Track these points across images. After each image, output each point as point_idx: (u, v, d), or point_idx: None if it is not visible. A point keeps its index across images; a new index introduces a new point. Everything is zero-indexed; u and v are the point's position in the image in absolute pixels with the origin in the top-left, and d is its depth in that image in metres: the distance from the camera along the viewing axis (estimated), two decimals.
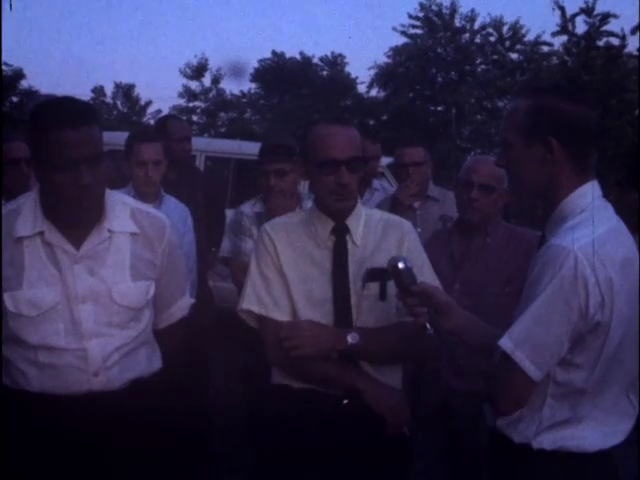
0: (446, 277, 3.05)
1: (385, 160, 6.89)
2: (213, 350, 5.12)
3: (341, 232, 2.60)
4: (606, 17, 22.67)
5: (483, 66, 33.14)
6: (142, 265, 2.50)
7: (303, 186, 4.39)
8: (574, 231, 1.99)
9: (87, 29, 76.69)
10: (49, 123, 2.27)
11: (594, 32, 22.75)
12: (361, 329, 2.52)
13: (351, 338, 2.49)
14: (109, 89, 42.70)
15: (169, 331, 2.68)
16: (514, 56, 32.37)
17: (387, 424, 2.51)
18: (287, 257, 2.58)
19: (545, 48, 29.08)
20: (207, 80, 38.65)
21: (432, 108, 33.48)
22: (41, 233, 2.38)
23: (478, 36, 33.44)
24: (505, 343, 1.97)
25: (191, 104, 38.76)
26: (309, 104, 32.61)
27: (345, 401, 2.52)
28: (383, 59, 33.91)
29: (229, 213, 4.68)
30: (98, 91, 41.73)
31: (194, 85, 38.64)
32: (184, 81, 38.63)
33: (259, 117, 37.95)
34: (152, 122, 31.62)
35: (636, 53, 21.73)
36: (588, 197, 2.07)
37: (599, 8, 22.60)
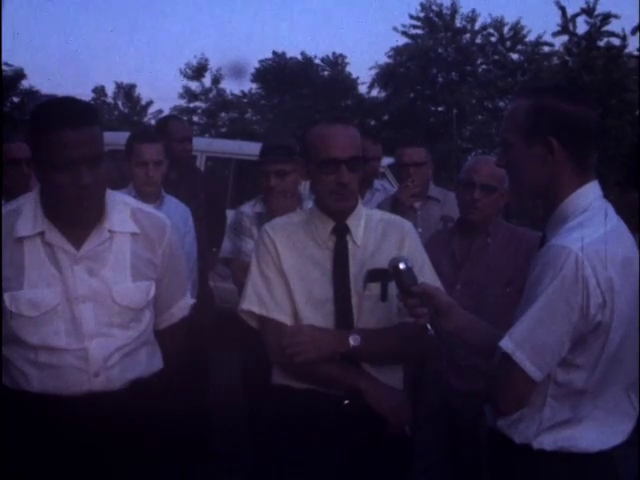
0: (447, 277, 3.05)
1: (386, 160, 6.88)
2: (213, 350, 5.12)
3: (342, 232, 2.60)
4: (607, 17, 22.64)
5: (484, 66, 33.12)
6: (143, 265, 2.50)
7: (304, 186, 4.39)
8: (575, 231, 1.99)
9: (88, 29, 76.71)
10: (50, 123, 2.27)
11: (595, 32, 22.73)
12: (362, 330, 2.52)
13: (353, 340, 2.49)
14: (110, 89, 42.72)
15: (170, 331, 2.68)
16: (515, 56, 32.34)
17: (388, 424, 2.50)
18: (288, 257, 2.58)
19: (546, 48, 29.07)
20: (207, 80, 38.68)
21: (433, 108, 33.46)
22: (41, 233, 2.38)
23: (479, 36, 33.43)
24: (506, 344, 1.97)
25: (192, 104, 38.76)
26: (310, 104, 32.59)
27: (346, 401, 2.52)
28: (384, 59, 33.92)
29: (230, 213, 4.68)
30: (99, 91, 41.72)
31: (194, 85, 38.66)
32: (185, 82, 38.67)
33: (260, 117, 37.93)
34: (153, 122, 31.62)
35: (636, 53, 21.75)
36: (589, 197, 2.07)
37: (600, 8, 22.60)
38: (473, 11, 33.37)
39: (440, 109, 33.18)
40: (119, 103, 43.04)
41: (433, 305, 2.26)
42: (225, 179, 8.85)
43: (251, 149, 7.29)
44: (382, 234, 2.64)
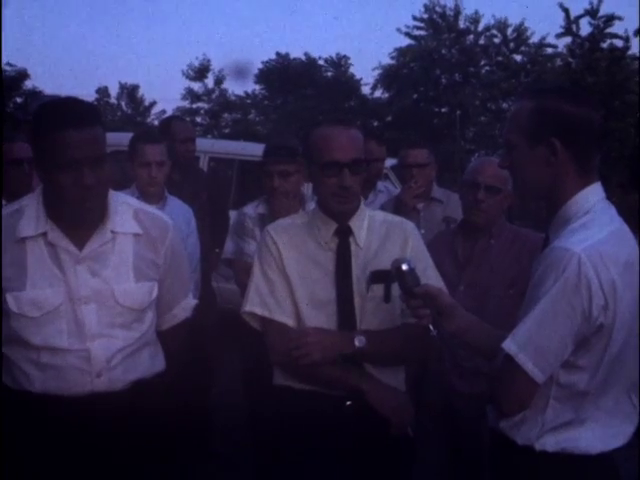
0: (450, 279, 3.05)
1: (389, 162, 6.88)
2: (215, 351, 5.12)
3: (344, 234, 2.59)
4: (610, 19, 22.66)
5: (487, 67, 33.14)
6: (145, 266, 2.50)
7: (307, 188, 4.39)
8: (577, 233, 1.99)
9: (91, 30, 76.81)
10: (52, 123, 2.27)
11: (598, 34, 22.73)
12: (366, 332, 2.51)
13: (358, 341, 2.48)
14: (113, 90, 42.81)
15: (172, 332, 2.68)
16: (518, 58, 32.37)
17: (390, 425, 2.50)
18: (290, 259, 2.58)
19: (549, 50, 29.10)
20: (210, 81, 38.73)
21: (436, 109, 33.48)
22: (44, 234, 2.38)
23: (482, 38, 33.45)
24: (508, 345, 1.97)
25: (195, 105, 38.80)
26: (313, 105, 32.62)
27: (348, 402, 2.51)
28: (387, 60, 33.95)
29: (232, 214, 4.69)
30: (102, 92, 41.83)
31: (197, 86, 38.71)
32: (187, 83, 38.72)
33: (263, 118, 37.98)
34: (156, 123, 31.67)
35: (638, 55, 21.75)
36: (591, 199, 2.07)
37: (603, 10, 22.60)
38: (476, 12, 33.42)
39: (443, 110, 33.20)
40: (122, 104, 43.13)
41: (436, 306, 2.26)
42: (228, 180, 8.85)
43: (254, 150, 7.28)
44: (385, 235, 2.64)
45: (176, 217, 3.49)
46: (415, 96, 33.24)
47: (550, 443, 2.05)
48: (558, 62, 26.50)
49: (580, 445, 2.05)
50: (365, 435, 2.49)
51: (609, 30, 22.86)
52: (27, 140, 3.43)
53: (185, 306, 2.72)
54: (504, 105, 30.40)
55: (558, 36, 23.82)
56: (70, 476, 2.38)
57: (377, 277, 2.45)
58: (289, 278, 2.57)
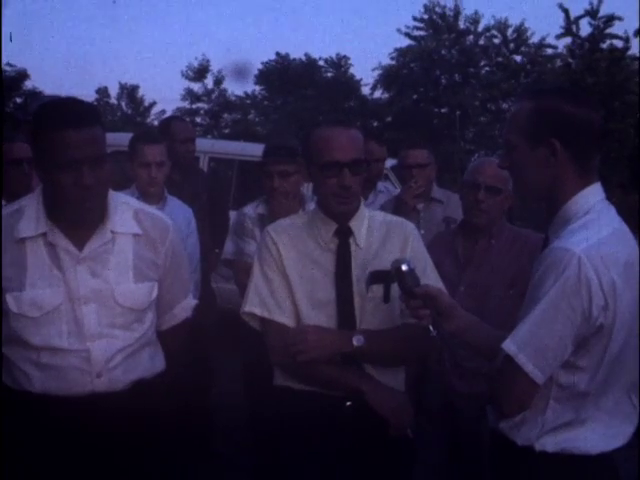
0: (451, 279, 3.05)
1: (389, 162, 6.88)
2: (215, 351, 5.13)
3: (344, 234, 2.59)
4: (610, 19, 22.61)
5: (487, 68, 33.10)
6: (145, 266, 2.50)
7: (306, 188, 4.39)
8: (577, 233, 1.99)
9: (91, 30, 76.84)
10: (52, 123, 2.27)
11: (598, 34, 22.71)
12: (365, 331, 2.52)
13: (356, 341, 2.48)
14: (113, 90, 42.77)
15: (172, 332, 2.68)
16: (518, 58, 32.34)
17: (390, 426, 2.50)
18: (290, 259, 2.58)
19: (549, 50, 29.06)
20: (210, 82, 38.71)
21: (436, 110, 33.44)
22: (44, 234, 2.38)
23: (482, 38, 33.42)
24: (508, 346, 1.97)
25: (194, 106, 38.79)
26: (313, 106, 32.60)
27: (348, 403, 2.51)
28: (387, 61, 33.91)
29: (232, 214, 4.68)
30: (102, 92, 41.78)
31: (196, 87, 38.69)
32: (187, 83, 38.70)
33: (263, 118, 37.93)
34: (156, 123, 31.66)
35: (638, 55, 21.73)
36: (591, 199, 2.07)
37: (603, 10, 22.58)
38: (476, 13, 33.38)
39: (443, 111, 33.17)
40: (122, 104, 43.09)
41: (435, 307, 2.26)
42: (228, 180, 8.86)
43: (254, 150, 7.28)
44: (385, 236, 2.64)
45: (176, 217, 3.49)
46: (415, 96, 33.22)
47: (550, 443, 2.05)
48: (558, 63, 26.46)
49: (580, 445, 2.05)
50: (365, 436, 2.49)
51: (609, 31, 22.85)
52: (27, 140, 3.43)
53: (185, 306, 2.72)
54: (504, 106, 30.37)
55: (558, 37, 23.77)
56: (71, 476, 2.38)
57: (377, 277, 2.45)
58: (289, 278, 2.57)
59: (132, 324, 2.46)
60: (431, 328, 2.29)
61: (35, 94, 24.57)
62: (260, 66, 37.89)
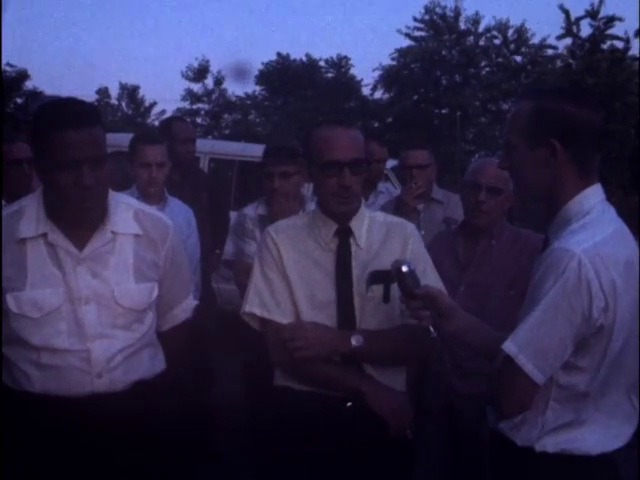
0: (451, 279, 3.05)
1: (389, 163, 6.89)
2: (216, 351, 5.13)
3: (344, 234, 2.59)
4: (611, 20, 22.62)
5: (487, 69, 33.17)
6: (145, 267, 2.50)
7: (307, 188, 4.39)
8: (577, 234, 1.99)
9: (92, 30, 76.87)
10: (52, 124, 2.27)
11: (599, 35, 22.71)
12: (365, 331, 2.51)
13: (355, 340, 2.48)
14: (114, 90, 42.82)
15: (172, 333, 2.68)
16: (518, 59, 32.39)
17: (389, 427, 2.50)
18: (290, 260, 2.58)
19: (550, 51, 29.11)
20: (210, 82, 38.75)
21: (436, 110, 33.49)
22: (44, 234, 2.38)
23: (483, 39, 33.48)
24: (508, 347, 1.97)
25: (195, 106, 38.82)
26: (314, 106, 32.64)
27: (348, 404, 2.51)
28: (388, 61, 33.98)
29: (233, 215, 4.69)
30: (103, 92, 41.86)
31: (197, 87, 38.72)
32: (188, 83, 38.74)
33: (263, 119, 37.99)
34: (156, 123, 31.66)
35: (638, 56, 21.73)
36: (591, 200, 2.07)
37: (604, 11, 22.58)
38: (477, 13, 33.49)
39: (443, 111, 33.22)
40: (123, 104, 43.15)
41: (436, 307, 2.26)
42: (228, 181, 8.86)
43: (254, 151, 7.29)
44: (385, 236, 2.63)
45: (176, 218, 3.49)
46: (415, 97, 33.27)
47: (550, 444, 2.05)
48: (558, 63, 26.47)
49: (580, 446, 2.05)
50: (365, 436, 2.49)
51: (610, 31, 22.86)
52: (26, 140, 3.43)
53: (185, 307, 2.72)
54: (504, 106, 30.42)
55: (558, 37, 23.80)
56: (71, 476, 2.38)
57: (376, 277, 2.45)
58: (289, 279, 2.57)
59: (132, 324, 2.46)
60: (431, 329, 2.29)
61: (35, 94, 24.60)
62: (261, 66, 37.95)
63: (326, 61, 37.91)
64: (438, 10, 33.32)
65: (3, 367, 2.41)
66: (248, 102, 39.21)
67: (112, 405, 2.37)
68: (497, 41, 32.87)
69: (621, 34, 22.66)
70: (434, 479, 3.65)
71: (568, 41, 23.50)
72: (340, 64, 38.06)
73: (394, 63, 33.72)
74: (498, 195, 3.37)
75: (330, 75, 37.82)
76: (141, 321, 2.49)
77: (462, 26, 33.69)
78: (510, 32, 32.57)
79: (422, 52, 32.66)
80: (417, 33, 33.52)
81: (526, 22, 32.58)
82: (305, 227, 2.64)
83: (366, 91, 36.28)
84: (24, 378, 2.38)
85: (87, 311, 2.38)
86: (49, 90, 27.05)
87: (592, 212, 2.05)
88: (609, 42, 22.91)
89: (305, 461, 2.50)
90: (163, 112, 37.64)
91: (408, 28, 33.29)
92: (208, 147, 8.85)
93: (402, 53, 33.39)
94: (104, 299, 2.40)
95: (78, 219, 2.37)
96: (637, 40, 21.96)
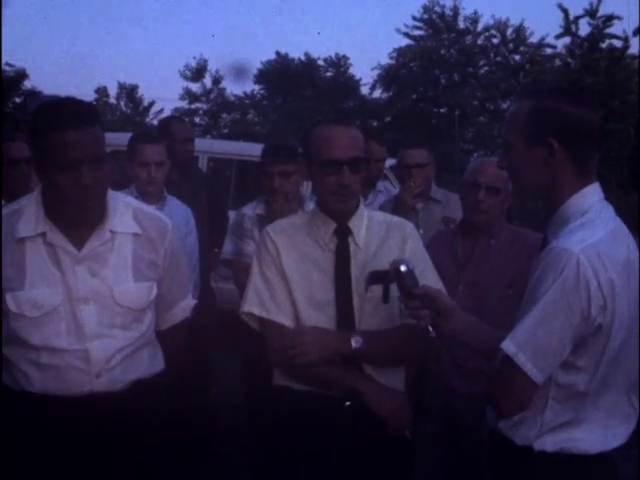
0: (450, 279, 3.05)
1: (388, 162, 6.89)
2: (215, 351, 5.13)
3: (343, 234, 2.59)
4: (610, 19, 22.60)
5: (486, 68, 33.15)
6: (144, 266, 2.50)
7: (306, 188, 4.39)
8: (576, 233, 1.99)
9: (90, 30, 76.76)
10: (51, 123, 2.27)
11: (597, 34, 22.69)
12: (364, 332, 2.51)
13: (355, 342, 2.48)
14: (113, 90, 42.76)
15: (171, 332, 2.68)
16: (517, 58, 32.37)
17: (388, 427, 2.50)
18: (289, 259, 2.58)
19: (548, 50, 29.04)
20: (208, 81, 38.72)
21: (435, 110, 33.47)
22: (43, 234, 2.38)
23: (481, 38, 33.47)
24: (507, 346, 1.97)
25: (193, 106, 38.79)
26: (312, 105, 32.62)
27: (347, 403, 2.51)
28: (386, 60, 33.96)
29: (231, 214, 4.68)
30: (101, 92, 41.76)
31: (195, 87, 38.69)
32: (186, 83, 38.70)
33: (262, 118, 37.96)
34: (155, 123, 31.64)
35: (637, 55, 21.72)
36: (590, 199, 2.07)
37: (603, 10, 22.56)
38: (475, 13, 33.48)
39: (442, 110, 33.19)
40: (121, 104, 43.08)
41: (435, 307, 2.26)
42: (227, 180, 8.86)
43: (253, 150, 7.28)
44: (384, 236, 2.63)
45: (175, 217, 3.50)
46: (414, 96, 33.26)
47: (549, 443, 2.05)
48: (557, 62, 26.43)
49: (579, 445, 2.05)
50: (364, 436, 2.49)
51: (608, 30, 22.84)
52: (25, 140, 3.43)
53: (184, 306, 2.72)
54: (503, 105, 30.38)
55: (557, 36, 23.75)
56: (70, 476, 2.38)
57: (376, 277, 2.45)
58: (288, 278, 2.56)
59: (131, 324, 2.46)
60: (430, 329, 2.29)
61: (34, 94, 24.57)
62: (259, 65, 37.93)
63: (325, 60, 37.92)
64: (437, 9, 33.35)
65: (3, 367, 2.41)
66: (247, 101, 39.18)
67: (111, 405, 2.37)
68: (496, 40, 32.85)
69: (620, 33, 22.65)
70: (433, 479, 3.65)
71: (567, 40, 23.48)
72: (339, 63, 38.04)
73: (393, 62, 33.71)
74: (497, 194, 3.38)
75: (329, 74, 37.79)
76: (140, 320, 2.49)
77: (461, 25, 33.69)
78: (509, 31, 32.56)
79: (421, 51, 32.65)
80: (416, 32, 33.53)
81: (525, 21, 32.60)
82: (304, 226, 2.64)
83: (365, 90, 36.28)
84: (24, 378, 2.38)
85: (86, 311, 2.38)
86: (48, 90, 27.03)
87: (590, 211, 2.05)
88: (608, 41, 22.89)
89: (304, 460, 2.49)
90: (161, 111, 37.58)
91: (407, 27, 33.32)
92: (207, 146, 8.84)
93: (401, 52, 33.38)
94: (103, 298, 2.40)
95: (77, 219, 2.37)
96: (636, 39, 21.93)
